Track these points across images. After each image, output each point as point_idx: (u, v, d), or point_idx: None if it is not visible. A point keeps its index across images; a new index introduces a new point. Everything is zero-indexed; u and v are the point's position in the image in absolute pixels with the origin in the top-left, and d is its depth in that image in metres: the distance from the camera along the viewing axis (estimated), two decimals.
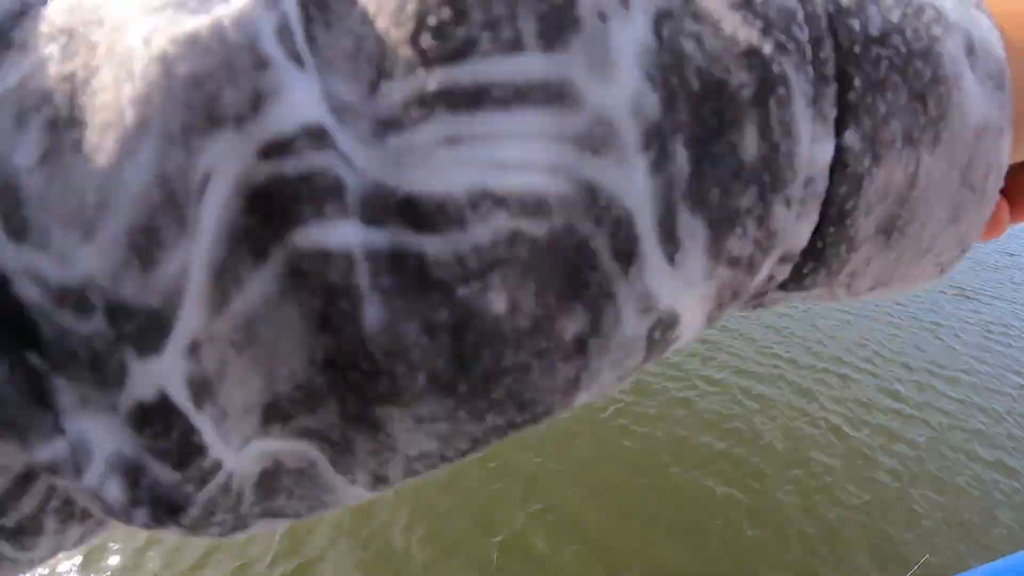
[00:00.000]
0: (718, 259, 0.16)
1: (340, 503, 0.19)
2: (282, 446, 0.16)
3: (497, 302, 0.15)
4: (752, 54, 0.16)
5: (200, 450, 0.14)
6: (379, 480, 0.18)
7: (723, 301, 0.18)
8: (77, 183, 0.13)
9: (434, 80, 0.14)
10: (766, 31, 0.16)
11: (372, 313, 0.14)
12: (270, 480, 0.17)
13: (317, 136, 0.14)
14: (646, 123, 0.15)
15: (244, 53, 0.14)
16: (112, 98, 0.13)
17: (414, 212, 0.14)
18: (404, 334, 0.15)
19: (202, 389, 0.14)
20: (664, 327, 0.17)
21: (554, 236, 0.15)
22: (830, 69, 0.16)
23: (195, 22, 0.14)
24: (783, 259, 0.18)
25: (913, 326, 4.58)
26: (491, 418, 0.16)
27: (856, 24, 0.17)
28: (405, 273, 0.14)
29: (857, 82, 0.17)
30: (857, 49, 0.17)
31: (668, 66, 0.15)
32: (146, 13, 0.14)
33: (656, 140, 0.15)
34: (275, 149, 0.14)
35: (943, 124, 0.18)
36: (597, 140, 0.15)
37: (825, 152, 0.17)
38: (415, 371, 0.15)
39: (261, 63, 0.14)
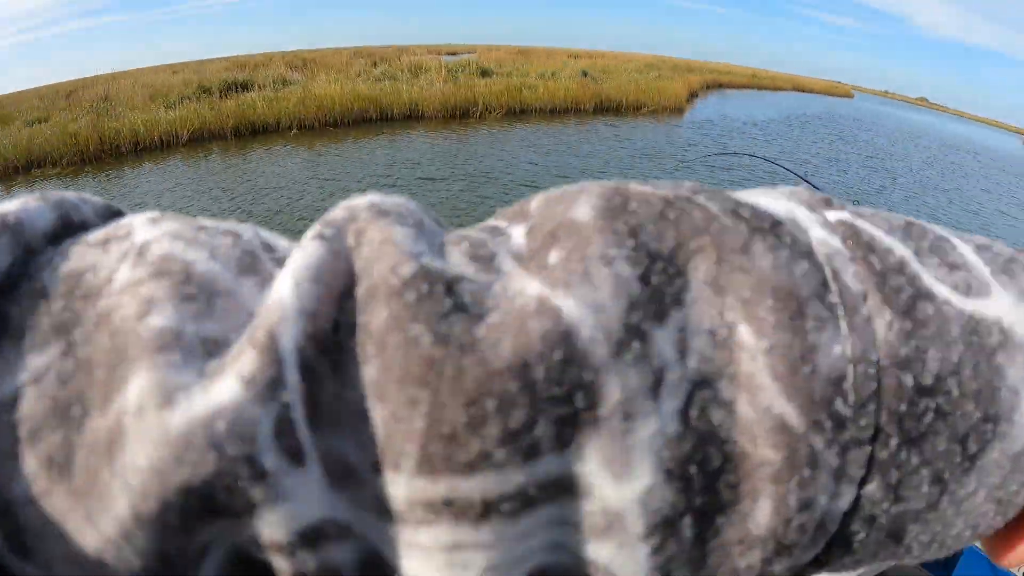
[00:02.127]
0: None
1: None
2: None
3: None
4: (784, 430, 0.16)
5: None
6: None
7: None
8: (74, 548, 0.15)
9: (442, 488, 0.15)
10: (804, 407, 0.16)
11: None
12: None
13: (313, 537, 0.16)
14: (654, 517, 0.16)
15: (240, 466, 0.15)
16: (106, 477, 0.15)
17: None
18: None
19: None
20: None
21: None
22: (866, 434, 0.17)
23: (184, 416, 0.15)
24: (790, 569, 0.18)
25: None
26: None
27: (909, 378, 0.17)
28: None
29: (893, 442, 0.17)
30: (903, 408, 0.17)
31: (688, 455, 0.16)
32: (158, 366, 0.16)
33: (661, 528, 0.16)
34: (272, 549, 0.16)
35: (979, 457, 0.18)
36: (600, 528, 0.16)
37: (843, 503, 0.17)
38: None
39: (257, 475, 0.15)
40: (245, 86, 14.35)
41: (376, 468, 0.16)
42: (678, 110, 20.52)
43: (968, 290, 0.18)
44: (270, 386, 0.16)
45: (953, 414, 0.17)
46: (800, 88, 50.00)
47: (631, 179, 0.19)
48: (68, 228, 0.20)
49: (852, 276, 0.18)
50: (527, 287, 0.17)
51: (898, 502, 0.18)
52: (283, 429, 0.16)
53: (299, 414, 0.16)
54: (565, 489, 0.16)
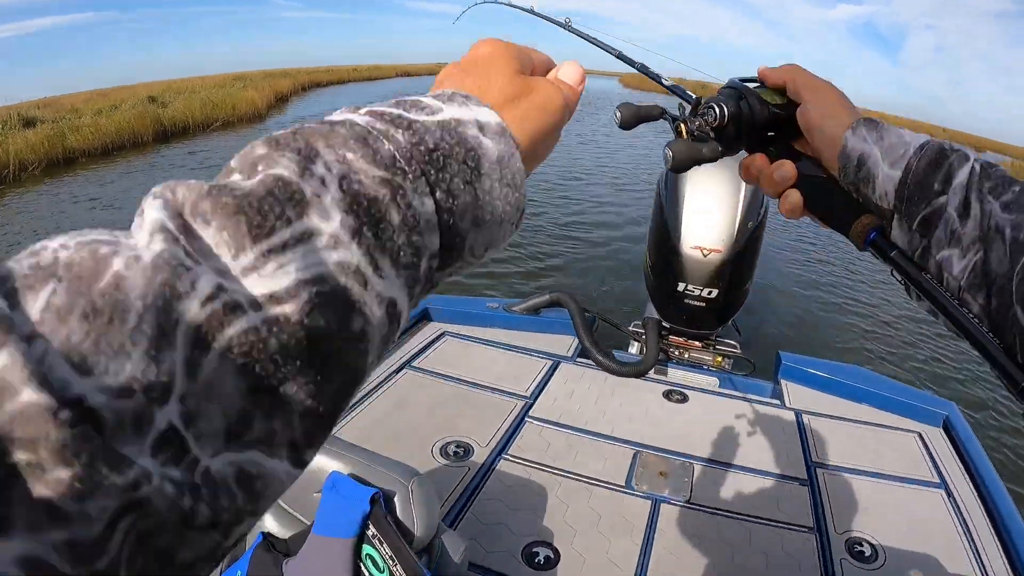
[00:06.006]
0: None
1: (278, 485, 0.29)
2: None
3: None
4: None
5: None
6: (295, 448, 0.29)
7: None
8: None
9: None
10: (385, 168, 0.32)
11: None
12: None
13: None
14: None
15: None
16: None
17: None
18: None
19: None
20: None
21: None
22: (421, 175, 0.33)
23: None
24: (432, 257, 0.34)
25: None
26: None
27: (425, 148, 0.33)
28: None
29: (433, 175, 0.33)
30: (441, 163, 0.33)
31: None
32: None
33: None
34: None
35: (480, 167, 0.35)
36: None
37: (428, 207, 0.33)
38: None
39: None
40: None
41: None
42: (257, 117, 20.01)
43: (432, 113, 0.35)
44: None
45: (457, 155, 0.34)
46: (406, 73, 53.10)
47: None
48: None
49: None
50: None
51: (456, 200, 0.34)
52: None
53: None
54: None
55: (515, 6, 1.38)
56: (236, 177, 0.30)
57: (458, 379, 2.42)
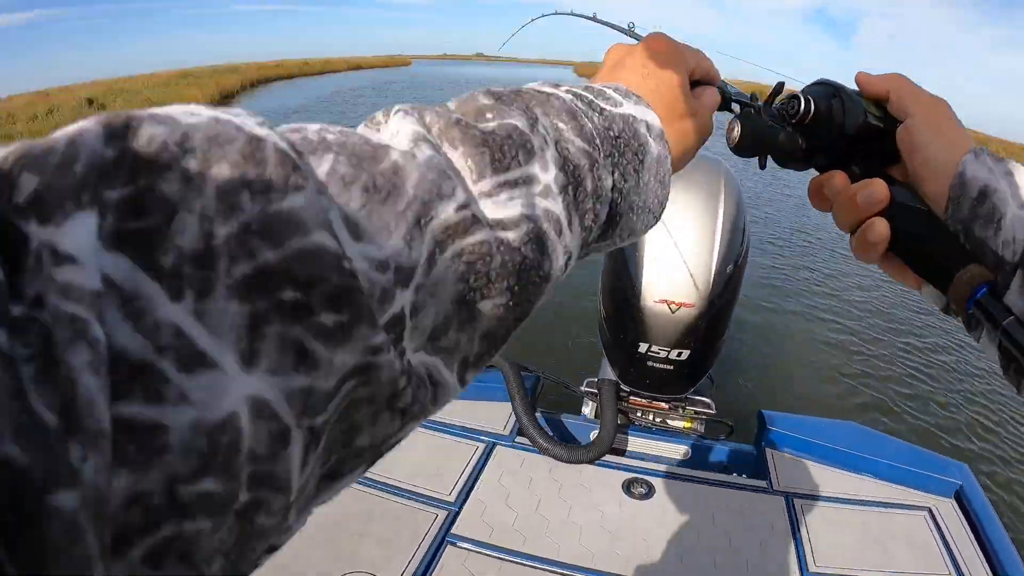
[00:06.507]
0: None
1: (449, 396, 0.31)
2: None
3: None
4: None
5: None
6: (465, 366, 0.31)
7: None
8: None
9: None
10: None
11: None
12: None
13: None
14: None
15: None
16: None
17: None
18: None
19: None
20: None
21: None
22: (608, 155, 0.38)
23: None
24: (598, 227, 0.39)
25: None
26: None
27: (612, 134, 0.39)
28: None
29: (616, 157, 0.38)
30: (621, 149, 0.39)
31: None
32: None
33: None
34: None
35: (644, 160, 0.40)
36: None
37: (608, 183, 0.38)
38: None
39: None
40: None
41: None
42: None
43: (616, 105, 0.40)
44: None
45: (631, 147, 0.39)
46: (356, 66, 52.87)
47: None
48: None
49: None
50: None
51: (628, 181, 0.39)
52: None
53: None
54: None
55: (577, 15, 1.27)
56: (455, 117, 0.33)
57: (367, 480, 1.89)
